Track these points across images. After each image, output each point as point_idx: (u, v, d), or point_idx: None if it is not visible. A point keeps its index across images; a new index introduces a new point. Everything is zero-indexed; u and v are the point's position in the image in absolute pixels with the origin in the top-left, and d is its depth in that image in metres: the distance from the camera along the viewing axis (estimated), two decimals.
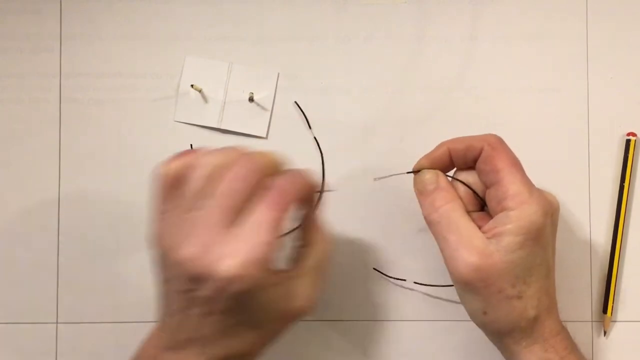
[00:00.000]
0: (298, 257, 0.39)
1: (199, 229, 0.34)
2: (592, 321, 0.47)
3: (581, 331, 0.47)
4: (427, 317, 0.47)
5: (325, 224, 0.40)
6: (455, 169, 0.41)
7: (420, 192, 0.40)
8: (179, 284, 0.35)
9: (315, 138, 0.47)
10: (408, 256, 0.47)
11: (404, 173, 0.42)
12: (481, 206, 0.41)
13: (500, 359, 0.41)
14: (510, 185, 0.37)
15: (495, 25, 0.48)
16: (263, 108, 0.48)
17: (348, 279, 0.47)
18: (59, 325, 0.47)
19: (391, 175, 0.43)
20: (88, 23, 0.48)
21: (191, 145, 0.47)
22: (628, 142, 0.47)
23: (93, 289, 0.47)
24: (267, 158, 0.37)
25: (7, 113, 0.48)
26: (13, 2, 0.48)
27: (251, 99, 0.47)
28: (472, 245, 0.37)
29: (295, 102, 0.48)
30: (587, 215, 0.47)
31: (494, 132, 0.40)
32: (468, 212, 0.39)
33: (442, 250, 0.39)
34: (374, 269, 0.47)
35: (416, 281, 0.46)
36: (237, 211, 0.35)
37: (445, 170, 0.41)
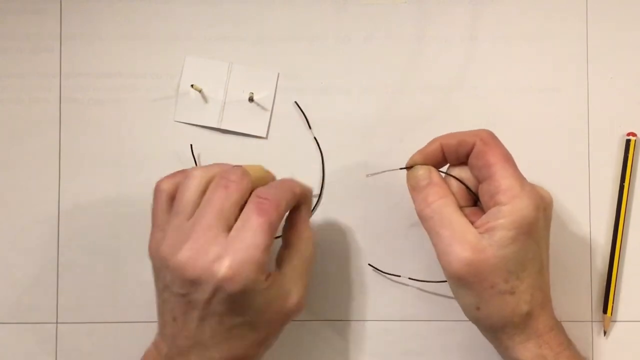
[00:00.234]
0: (283, 258, 0.40)
1: (195, 234, 0.36)
2: (592, 321, 0.47)
3: (581, 331, 0.47)
4: (421, 313, 0.47)
5: (306, 223, 0.41)
6: (448, 165, 0.41)
7: (413, 187, 0.40)
8: (177, 288, 0.36)
9: (315, 138, 0.47)
10: (403, 252, 0.47)
11: (396, 169, 0.42)
12: (474, 201, 0.41)
13: (498, 358, 0.41)
14: (502, 180, 0.37)
15: (495, 25, 0.48)
16: (263, 108, 0.48)
17: (343, 276, 0.47)
18: (59, 325, 0.47)
19: (384, 172, 0.43)
20: (88, 23, 0.48)
21: (191, 145, 0.47)
22: (628, 142, 0.47)
23: (93, 289, 0.47)
24: (256, 169, 0.40)
25: (7, 113, 0.48)
26: (13, 2, 0.48)
27: (251, 99, 0.47)
28: (465, 240, 0.37)
29: (295, 102, 0.48)
30: (587, 215, 0.47)
31: (493, 132, 0.40)
32: (461, 208, 0.39)
33: (435, 246, 0.39)
34: (369, 264, 0.47)
35: (411, 277, 0.46)
36: (231, 218, 0.37)
37: (438, 166, 0.41)
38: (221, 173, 0.38)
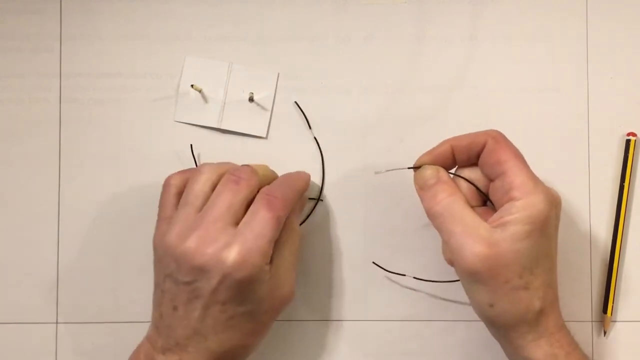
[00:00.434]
0: (274, 250, 0.40)
1: (204, 225, 0.37)
2: (592, 321, 0.47)
3: (581, 331, 0.47)
4: (421, 313, 0.47)
5: (296, 217, 0.43)
6: (455, 167, 0.42)
7: (421, 187, 0.40)
8: (182, 276, 0.37)
9: (315, 138, 0.47)
10: (403, 252, 0.47)
11: (404, 168, 0.42)
12: (483, 202, 0.41)
13: (499, 358, 0.41)
14: (516, 176, 0.38)
15: (495, 25, 0.48)
16: (263, 108, 0.48)
17: (342, 276, 0.47)
18: (59, 325, 0.47)
19: (391, 170, 0.43)
20: (88, 23, 0.48)
21: (191, 145, 0.47)
22: (628, 142, 0.47)
23: (93, 289, 0.47)
24: (263, 168, 0.42)
25: (7, 113, 0.48)
26: (13, 2, 0.48)
27: (251, 99, 0.47)
28: (478, 235, 0.37)
29: (295, 102, 0.48)
30: (587, 215, 0.47)
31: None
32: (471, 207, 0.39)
33: (446, 243, 0.38)
34: (374, 262, 0.47)
35: (416, 276, 0.46)
36: (239, 213, 0.38)
37: (446, 168, 0.41)
38: (231, 170, 0.40)
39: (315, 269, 0.47)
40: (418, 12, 0.48)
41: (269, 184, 0.41)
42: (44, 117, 0.48)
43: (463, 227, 0.37)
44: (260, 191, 0.39)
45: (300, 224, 0.45)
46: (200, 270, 0.36)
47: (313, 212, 0.47)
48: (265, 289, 0.38)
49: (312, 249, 0.47)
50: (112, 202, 0.47)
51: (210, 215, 0.38)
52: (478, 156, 0.40)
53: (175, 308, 0.37)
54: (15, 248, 0.47)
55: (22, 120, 0.48)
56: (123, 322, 0.47)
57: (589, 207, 0.47)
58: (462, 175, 0.41)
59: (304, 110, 0.47)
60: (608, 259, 0.47)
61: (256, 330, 0.39)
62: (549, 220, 0.38)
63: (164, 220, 0.40)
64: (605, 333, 0.47)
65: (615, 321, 0.47)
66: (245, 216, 0.38)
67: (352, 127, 0.48)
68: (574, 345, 0.39)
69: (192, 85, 0.47)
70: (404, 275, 0.46)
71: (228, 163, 0.42)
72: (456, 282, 0.45)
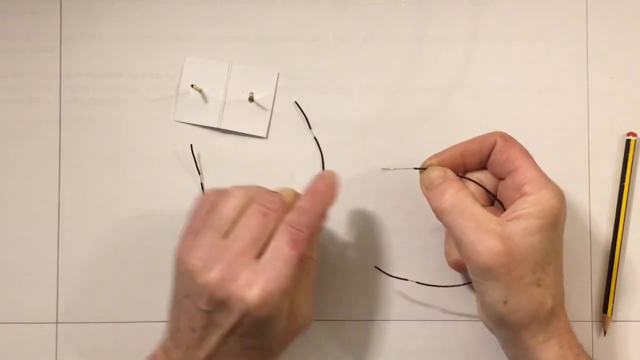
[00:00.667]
0: None
1: (228, 256, 0.36)
2: (592, 321, 0.47)
3: (581, 331, 0.46)
4: (421, 313, 0.47)
5: (316, 244, 0.41)
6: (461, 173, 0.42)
7: (428, 187, 0.40)
8: (202, 304, 0.36)
9: (315, 138, 0.47)
10: (404, 253, 0.47)
11: (411, 168, 0.42)
12: (490, 204, 0.41)
13: (499, 358, 0.41)
14: (528, 172, 0.38)
15: (495, 25, 0.48)
16: (263, 108, 0.48)
17: (342, 276, 0.47)
18: (59, 325, 0.47)
19: (399, 169, 0.43)
20: (88, 23, 0.48)
21: (191, 145, 0.47)
22: (628, 142, 0.47)
23: (93, 289, 0.47)
24: (289, 194, 0.40)
25: (7, 113, 0.48)
26: (13, 2, 0.48)
27: (251, 99, 0.47)
28: (490, 229, 0.37)
29: (295, 102, 0.48)
30: (587, 215, 0.47)
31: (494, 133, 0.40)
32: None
33: (458, 239, 0.38)
34: (375, 267, 0.47)
35: (419, 281, 0.46)
36: (263, 244, 0.37)
37: (453, 171, 0.41)
38: (261, 199, 0.38)
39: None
40: (418, 12, 0.48)
41: (292, 205, 0.39)
42: (44, 117, 0.48)
43: (475, 222, 0.37)
44: (285, 221, 0.38)
45: None
46: (221, 304, 0.36)
47: None
48: (284, 323, 0.38)
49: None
50: (112, 202, 0.47)
51: (235, 246, 0.37)
52: (487, 157, 0.40)
53: (193, 330, 0.37)
54: (15, 248, 0.47)
55: (22, 120, 0.48)
56: (123, 322, 0.47)
57: (589, 207, 0.47)
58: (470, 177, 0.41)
59: (304, 110, 0.47)
60: (608, 259, 0.47)
61: (270, 357, 0.40)
62: (560, 216, 0.38)
63: (190, 234, 0.39)
64: (605, 333, 0.47)
65: (615, 321, 0.47)
66: (269, 250, 0.37)
67: (352, 127, 0.48)
68: (580, 347, 0.39)
69: (192, 85, 0.47)
70: (407, 280, 0.46)
71: (258, 187, 0.40)
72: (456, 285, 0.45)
